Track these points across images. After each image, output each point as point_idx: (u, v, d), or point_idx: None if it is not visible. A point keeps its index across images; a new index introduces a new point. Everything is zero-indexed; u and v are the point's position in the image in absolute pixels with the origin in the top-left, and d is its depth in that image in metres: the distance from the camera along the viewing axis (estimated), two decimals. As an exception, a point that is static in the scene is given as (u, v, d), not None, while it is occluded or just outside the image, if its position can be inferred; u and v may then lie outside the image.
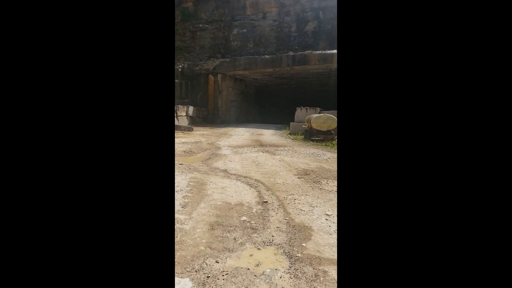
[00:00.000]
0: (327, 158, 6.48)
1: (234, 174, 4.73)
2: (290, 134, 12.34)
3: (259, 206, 3.24)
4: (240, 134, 12.29)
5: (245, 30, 18.90)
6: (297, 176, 4.69)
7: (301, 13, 17.29)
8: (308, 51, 15.49)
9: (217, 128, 15.17)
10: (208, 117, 18.78)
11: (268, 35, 18.34)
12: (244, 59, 17.22)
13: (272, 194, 3.72)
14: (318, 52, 15.11)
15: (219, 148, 8.03)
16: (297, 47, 17.10)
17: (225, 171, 4.97)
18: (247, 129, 14.72)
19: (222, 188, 3.91)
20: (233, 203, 3.31)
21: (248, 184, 4.13)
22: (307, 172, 4.99)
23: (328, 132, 10.01)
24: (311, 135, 10.27)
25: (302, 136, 11.19)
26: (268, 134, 12.51)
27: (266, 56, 16.76)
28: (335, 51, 14.68)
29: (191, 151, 7.16)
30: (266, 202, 3.39)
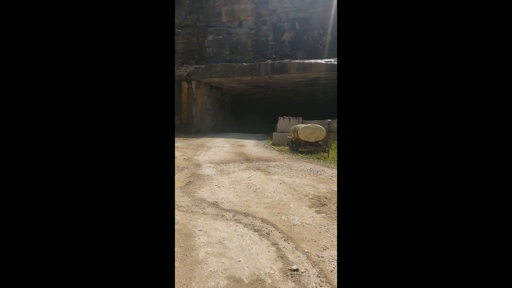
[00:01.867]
0: (330, 177, 5.34)
1: (230, 210, 3.31)
2: (273, 145, 11.15)
3: (291, 284, 1.88)
4: (220, 146, 10.79)
5: (220, 37, 17.60)
6: (313, 209, 3.42)
7: (278, 23, 16.51)
8: (286, 60, 14.63)
9: (192, 138, 13.46)
10: (182, 126, 16.93)
11: (245, 43, 17.25)
12: (220, 66, 15.86)
13: (296, 248, 2.39)
14: (297, 61, 14.31)
15: (199, 165, 6.50)
16: (274, 56, 16.21)
17: (215, 205, 3.52)
18: (226, 139, 13.26)
19: (220, 242, 2.46)
20: (245, 280, 1.91)
21: (255, 230, 2.75)
22: (322, 201, 3.75)
23: (316, 143, 8.99)
24: (298, 146, 9.17)
25: (288, 147, 10.06)
26: (251, 145, 11.18)
27: (244, 63, 15.58)
28: (313, 60, 14.00)
29: (165, 171, 5.58)
30: (297, 270, 2.04)
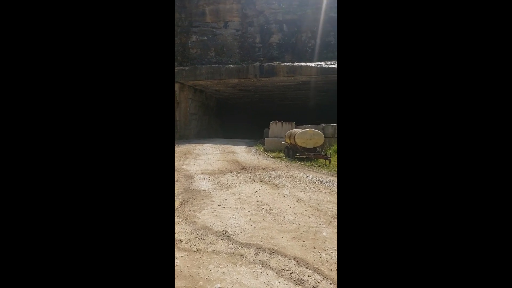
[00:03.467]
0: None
1: (249, 245, 2.43)
2: (266, 151, 10.37)
3: None
4: (209, 153, 9.81)
5: (205, 38, 16.67)
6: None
7: (265, 24, 15.93)
8: (276, 62, 14.01)
9: (177, 144, 12.32)
10: (164, 132, 15.67)
11: (231, 44, 16.45)
12: (206, 68, 14.89)
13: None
14: (286, 64, 13.74)
15: (190, 177, 5.53)
16: (262, 59, 15.56)
17: (226, 236, 2.63)
18: (214, 145, 12.27)
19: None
20: None
21: (296, 282, 1.89)
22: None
23: (314, 150, 8.34)
24: (295, 153, 8.46)
25: (283, 154, 9.32)
26: (242, 152, 10.31)
27: (231, 65, 14.75)
28: (303, 63, 13.51)
29: (151, 187, 4.57)
30: None
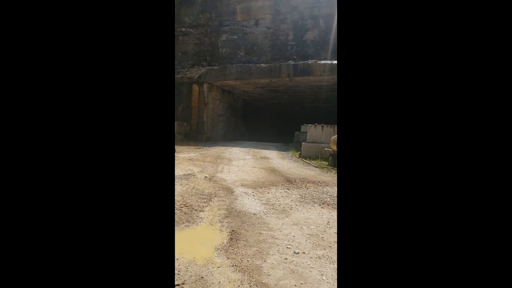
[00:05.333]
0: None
1: None
2: (304, 158, 9.10)
3: None
4: (240, 158, 8.75)
5: (235, 37, 15.77)
6: None
7: (300, 20, 14.69)
8: (312, 60, 12.73)
9: (204, 147, 11.44)
10: (191, 133, 14.92)
11: (262, 43, 15.39)
12: (236, 67, 13.96)
13: None
14: (324, 62, 12.41)
15: (230, 190, 4.45)
16: (295, 57, 14.31)
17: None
18: (243, 149, 11.22)
19: None
20: None
21: None
22: None
23: (366, 158, 6.96)
24: (343, 162, 7.13)
25: (326, 163, 8.01)
26: (276, 158, 9.13)
27: (262, 64, 13.69)
28: (343, 61, 12.08)
29: (185, 205, 3.51)
30: None
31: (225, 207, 3.55)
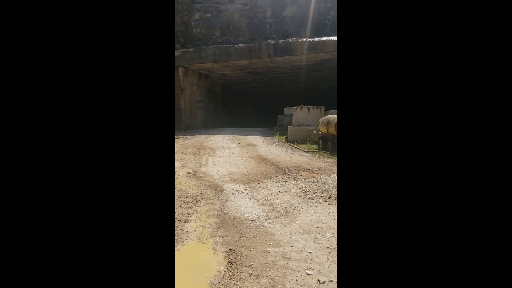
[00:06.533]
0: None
1: None
2: (291, 142, 8.59)
3: None
4: (225, 147, 8.04)
5: (209, 15, 14.37)
6: None
7: (277, -4, 13.61)
8: (293, 39, 11.92)
9: (184, 136, 10.52)
10: (169, 122, 13.79)
11: (238, 21, 14.19)
12: (213, 49, 12.79)
13: None
14: (305, 39, 11.65)
15: (219, 188, 3.79)
16: (274, 36, 13.39)
17: None
18: (227, 136, 10.46)
19: None
20: None
21: None
22: None
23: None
24: (334, 144, 6.70)
25: (316, 146, 7.56)
26: (262, 144, 8.53)
27: (241, 45, 12.65)
28: (326, 38, 11.43)
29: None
30: None
31: (216, 212, 2.91)
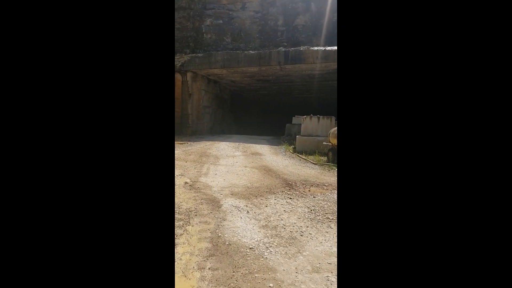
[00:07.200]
0: None
1: None
2: (299, 153, 8.12)
3: None
4: (229, 155, 7.64)
5: (220, 21, 14.30)
6: None
7: (290, 4, 13.42)
8: (304, 47, 11.61)
9: (189, 142, 10.20)
10: (175, 126, 13.58)
11: (249, 28, 14.04)
12: (222, 55, 12.61)
13: None
14: (317, 48, 11.32)
15: (216, 203, 3.37)
16: (285, 44, 13.12)
17: None
18: (232, 144, 10.08)
19: None
20: None
21: None
22: None
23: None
24: (345, 158, 6.20)
25: (325, 158, 7.07)
26: (268, 154, 8.10)
27: (251, 51, 12.42)
28: (337, 47, 11.06)
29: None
30: None
31: (209, 234, 2.48)
